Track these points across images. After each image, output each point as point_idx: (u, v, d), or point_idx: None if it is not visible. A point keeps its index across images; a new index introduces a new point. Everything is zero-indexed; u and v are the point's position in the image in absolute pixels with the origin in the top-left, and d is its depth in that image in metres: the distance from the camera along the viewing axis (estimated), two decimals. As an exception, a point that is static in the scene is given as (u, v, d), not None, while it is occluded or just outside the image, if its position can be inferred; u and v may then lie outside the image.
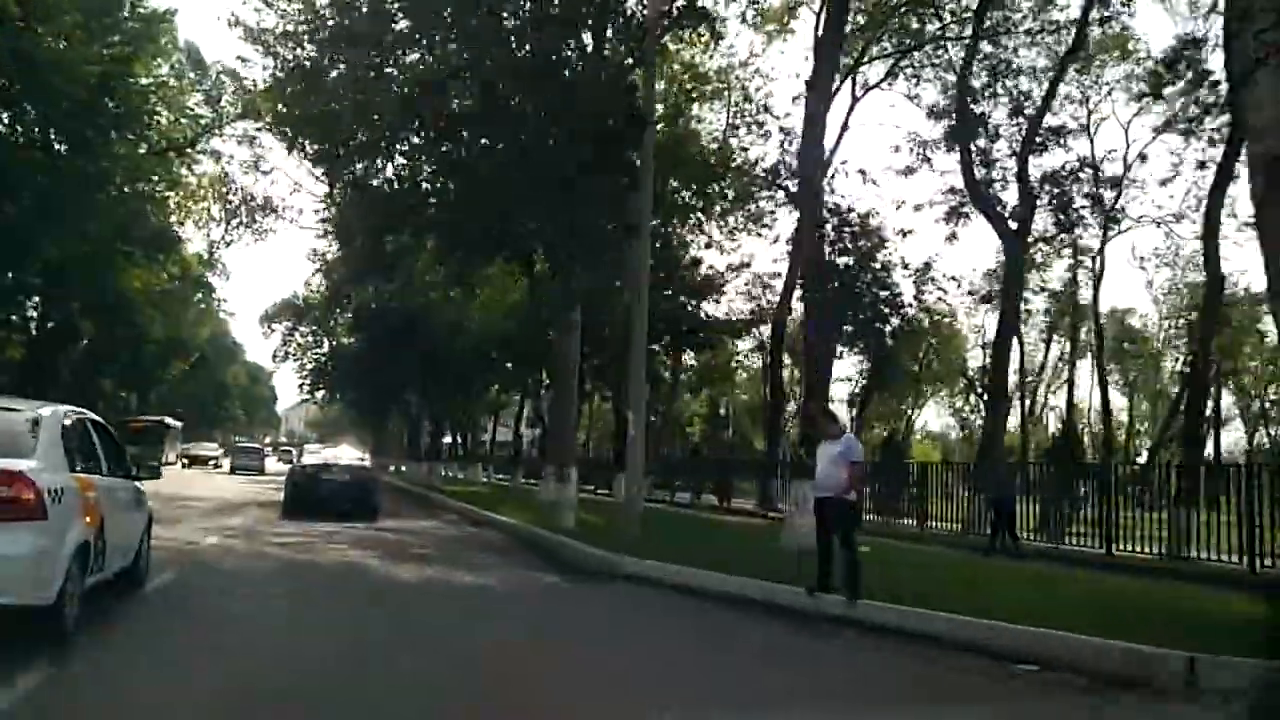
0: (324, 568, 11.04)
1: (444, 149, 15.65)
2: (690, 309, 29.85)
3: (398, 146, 16.72)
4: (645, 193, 14.54)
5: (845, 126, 31.34)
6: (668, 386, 41.33)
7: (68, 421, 6.61)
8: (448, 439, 59.66)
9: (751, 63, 30.44)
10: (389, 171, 17.80)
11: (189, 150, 42.94)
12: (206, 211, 54.63)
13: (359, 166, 17.18)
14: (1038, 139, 23.52)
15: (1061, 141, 24.34)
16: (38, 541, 5.48)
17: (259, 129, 40.91)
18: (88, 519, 6.21)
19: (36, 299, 42.40)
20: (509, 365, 37.30)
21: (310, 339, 55.82)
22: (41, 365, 41.25)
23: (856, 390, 36.51)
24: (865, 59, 31.58)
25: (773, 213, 30.59)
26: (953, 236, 27.55)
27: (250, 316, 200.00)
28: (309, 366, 55.79)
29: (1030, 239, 25.77)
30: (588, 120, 13.11)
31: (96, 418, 7.52)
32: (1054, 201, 23.74)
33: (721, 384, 54.88)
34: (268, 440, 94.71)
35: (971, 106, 23.20)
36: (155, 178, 43.67)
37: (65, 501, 5.83)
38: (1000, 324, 25.72)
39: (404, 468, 54.04)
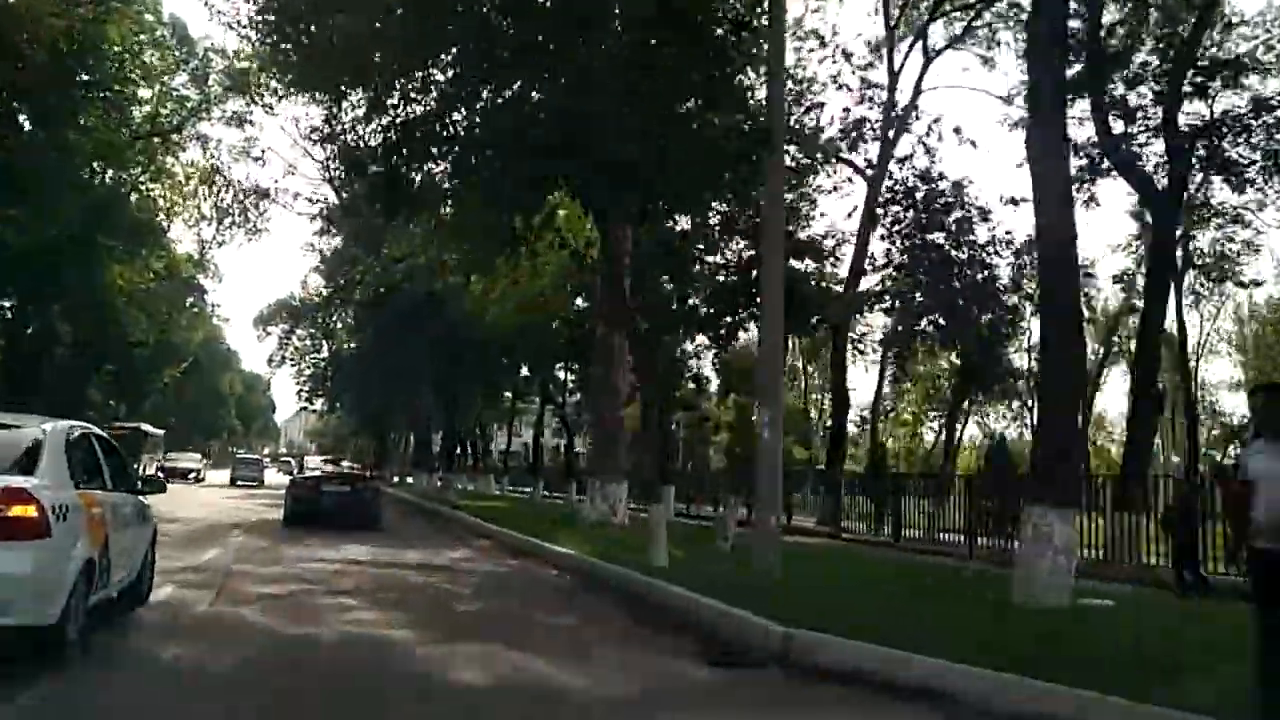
0: (328, 658, 6.82)
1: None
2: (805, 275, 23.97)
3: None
4: (778, 86, 10.44)
5: (918, 89, 27.44)
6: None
7: (71, 436, 6.52)
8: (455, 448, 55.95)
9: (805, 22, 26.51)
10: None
11: (174, 135, 38.96)
12: (196, 209, 50.86)
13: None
14: (1194, 76, 18.86)
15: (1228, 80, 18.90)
16: (41, 560, 5.36)
17: (250, 104, 37.14)
18: (92, 536, 6.10)
19: (10, 301, 38.53)
20: (523, 367, 33.36)
21: (308, 342, 51.85)
22: (21, 371, 37.19)
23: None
24: (936, 15, 27.74)
25: (849, 180, 26.55)
26: (1091, 200, 20.94)
27: (245, 324, 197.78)
28: (307, 372, 51.86)
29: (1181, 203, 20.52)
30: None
31: (100, 431, 7.51)
32: (1215, 154, 18.81)
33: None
34: (266, 451, 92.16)
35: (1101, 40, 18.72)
36: (138, 165, 39.83)
37: (69, 519, 5.74)
38: (1146, 308, 21.47)
39: (409, 479, 49.88)
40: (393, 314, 30.09)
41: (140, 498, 8.00)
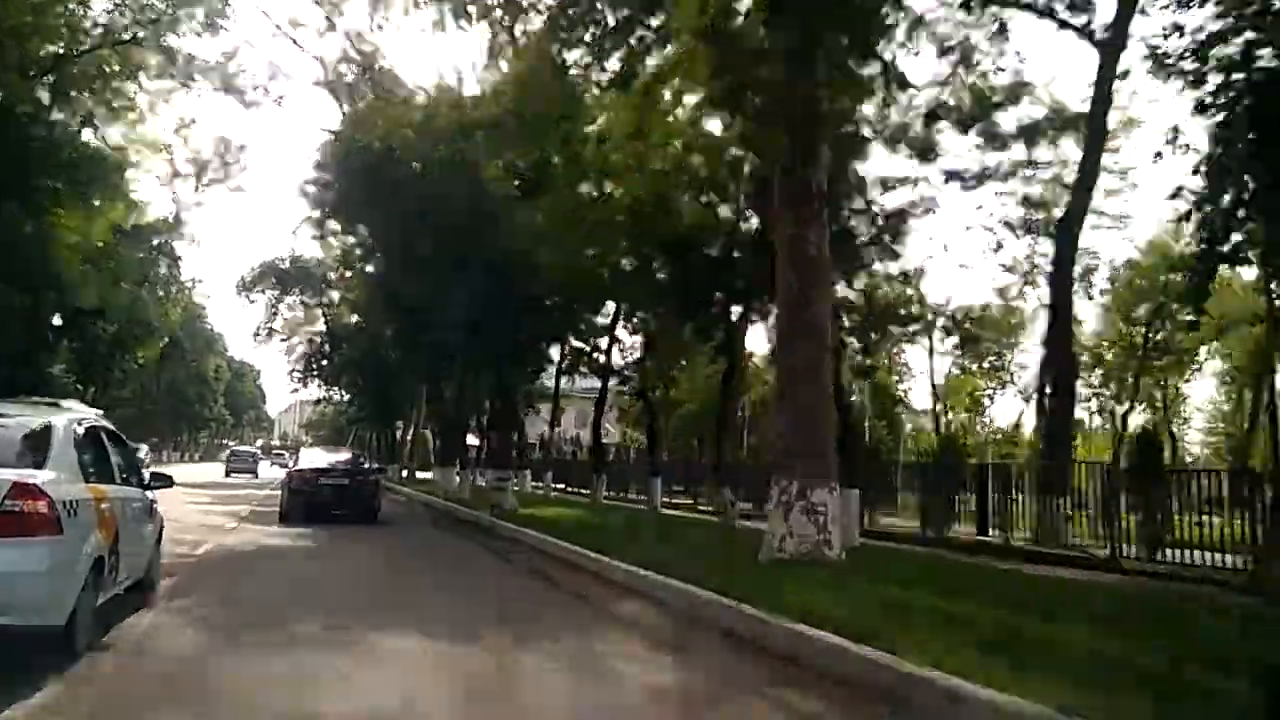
0: None
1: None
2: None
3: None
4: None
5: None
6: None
7: (80, 428, 6.43)
8: (474, 439, 48.03)
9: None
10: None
11: (128, 43, 30.91)
12: (166, 154, 42.79)
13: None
14: None
15: None
16: (52, 558, 5.28)
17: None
18: (103, 532, 6.06)
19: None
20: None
21: (299, 313, 44.18)
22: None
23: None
24: None
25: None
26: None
27: (232, 307, 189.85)
28: (299, 348, 44.39)
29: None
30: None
31: (107, 423, 7.35)
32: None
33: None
34: (259, 444, 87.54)
35: None
36: (89, 89, 31.77)
37: (80, 515, 5.69)
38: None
39: (431, 475, 41.95)
40: (429, 238, 21.64)
41: (148, 492, 7.91)
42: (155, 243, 47.84)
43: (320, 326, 45.04)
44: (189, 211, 47.14)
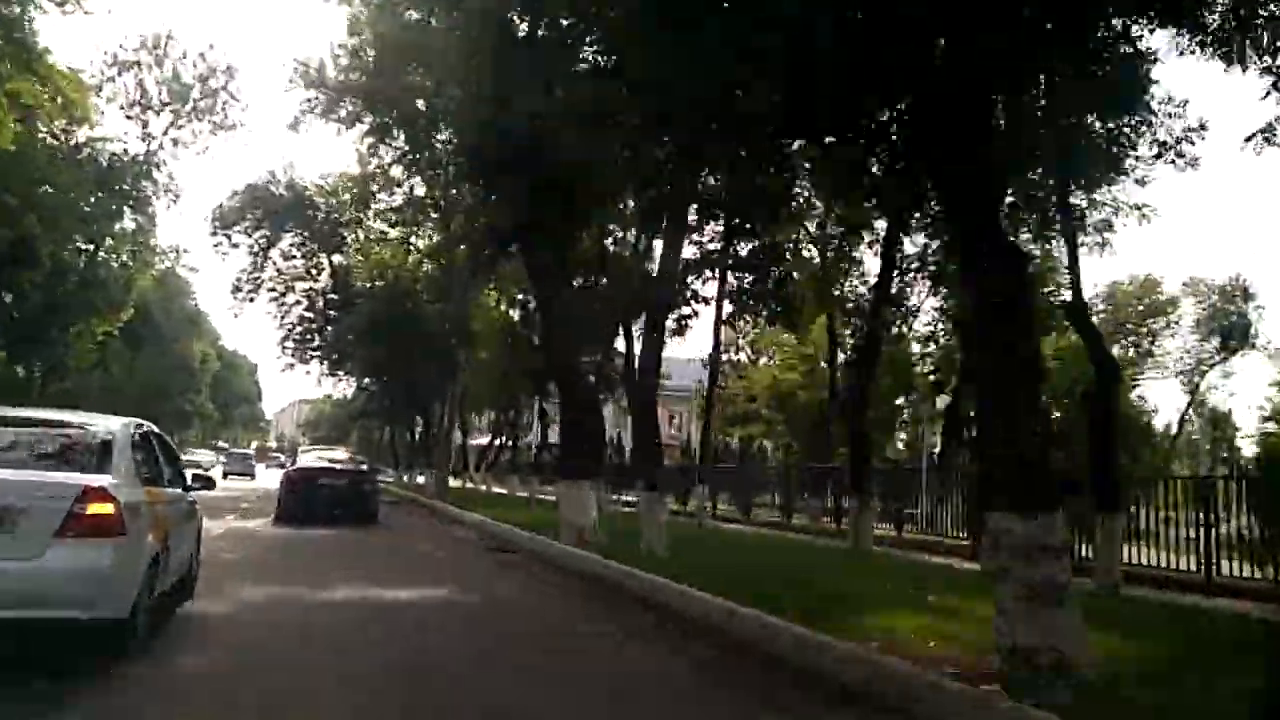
0: None
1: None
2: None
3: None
4: None
5: None
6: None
7: (136, 435, 6.79)
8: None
9: None
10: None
11: None
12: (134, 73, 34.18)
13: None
14: None
15: None
16: (117, 557, 5.56)
17: None
18: (157, 533, 6.36)
19: None
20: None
21: (297, 261, 34.83)
22: None
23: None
24: None
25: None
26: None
27: (222, 284, 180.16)
28: (297, 308, 35.21)
29: None
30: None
31: (155, 428, 7.66)
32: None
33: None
34: (255, 445, 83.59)
35: None
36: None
37: (140, 516, 6.01)
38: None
39: (454, 480, 32.58)
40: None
41: (190, 494, 8.14)
42: (119, 188, 38.85)
43: (324, 281, 35.82)
44: (164, 151, 38.26)
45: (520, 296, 31.64)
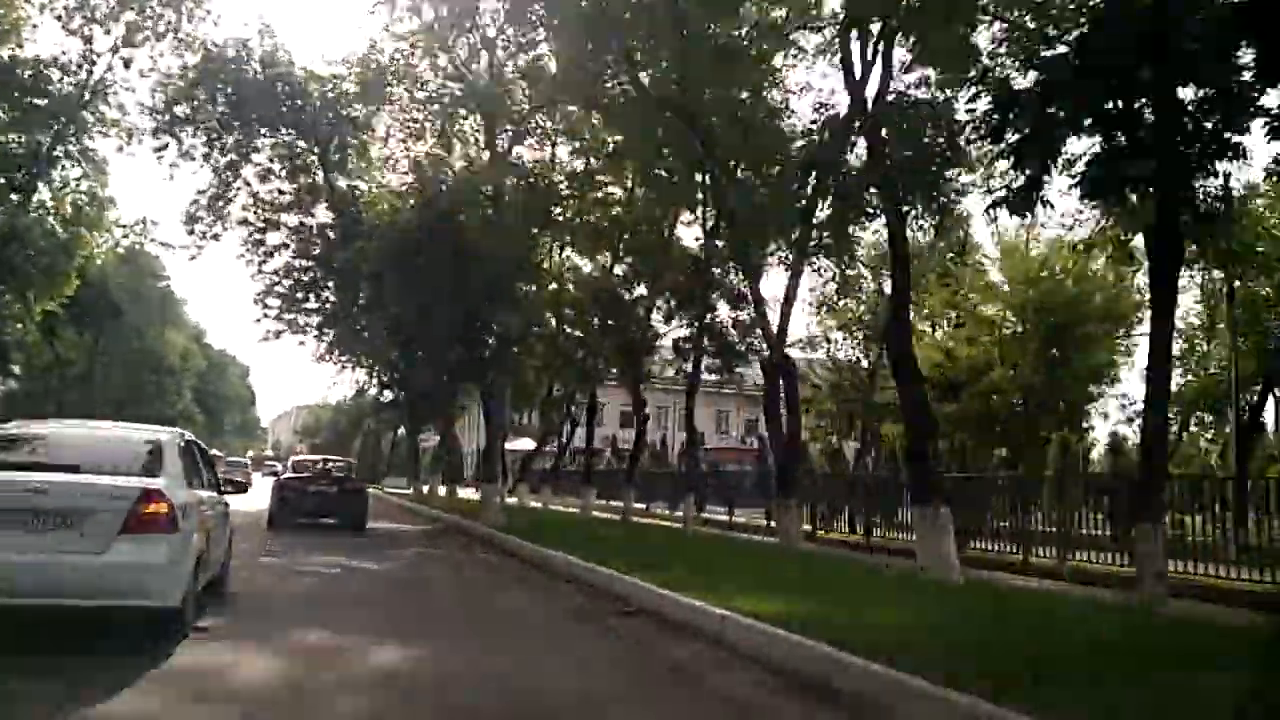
0: None
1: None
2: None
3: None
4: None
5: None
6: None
7: (182, 442, 7.61)
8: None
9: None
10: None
11: None
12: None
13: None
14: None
15: None
16: (171, 552, 6.32)
17: None
18: (201, 532, 7.11)
19: None
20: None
21: (284, 183, 24.99)
22: None
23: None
24: None
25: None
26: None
27: (209, 280, 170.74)
28: (275, 252, 25.57)
29: None
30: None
31: (193, 437, 8.33)
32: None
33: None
34: (250, 454, 77.71)
35: None
36: None
37: (188, 516, 6.74)
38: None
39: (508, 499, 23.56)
40: None
41: (224, 498, 9.02)
42: (54, 124, 29.70)
43: (323, 218, 25.96)
44: (112, 74, 28.94)
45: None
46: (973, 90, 9.96)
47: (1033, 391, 25.81)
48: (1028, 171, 9.18)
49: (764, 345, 17.42)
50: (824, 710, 5.37)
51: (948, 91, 13.20)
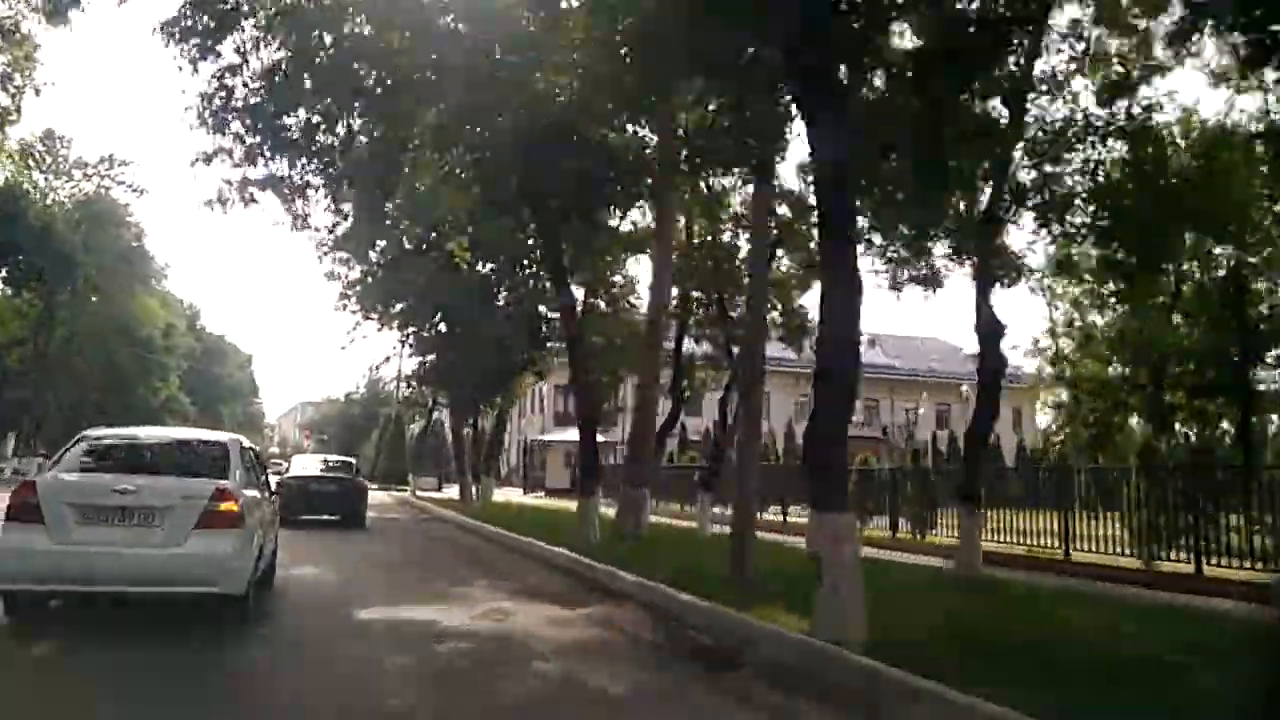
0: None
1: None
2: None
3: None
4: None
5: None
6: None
7: (243, 445, 8.46)
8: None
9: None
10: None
11: None
12: None
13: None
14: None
15: None
16: (239, 544, 7.07)
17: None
18: (260, 527, 7.93)
19: None
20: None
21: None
22: None
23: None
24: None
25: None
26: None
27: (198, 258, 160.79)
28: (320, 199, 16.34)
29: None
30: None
31: (248, 441, 9.07)
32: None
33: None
34: None
35: None
36: None
37: (252, 512, 7.51)
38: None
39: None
40: None
41: (272, 496, 9.66)
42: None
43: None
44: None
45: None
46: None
47: None
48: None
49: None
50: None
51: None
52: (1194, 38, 11.64)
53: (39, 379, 38.44)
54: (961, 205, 12.89)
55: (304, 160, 14.10)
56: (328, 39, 12.78)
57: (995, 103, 11.50)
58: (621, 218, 17.98)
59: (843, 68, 7.95)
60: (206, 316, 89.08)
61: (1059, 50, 12.08)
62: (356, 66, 12.88)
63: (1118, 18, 12.38)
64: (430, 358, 27.97)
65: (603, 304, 23.15)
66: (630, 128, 13.05)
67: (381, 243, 23.98)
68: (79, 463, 7.43)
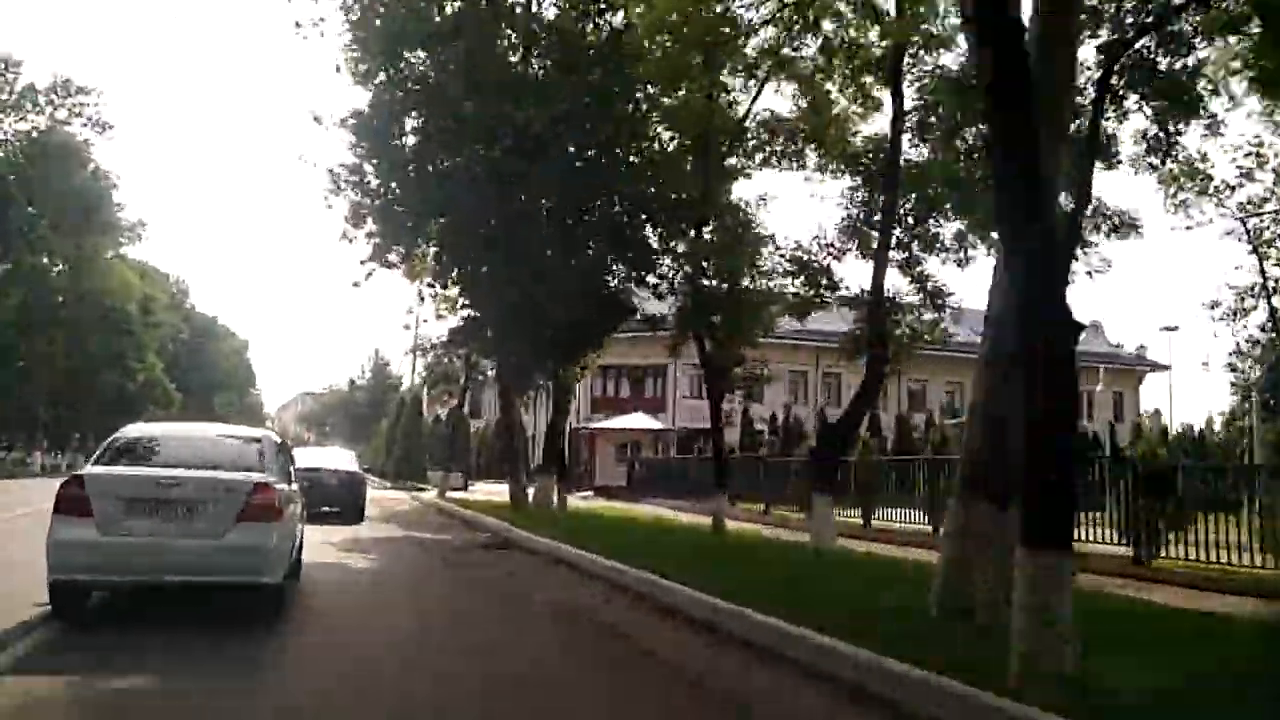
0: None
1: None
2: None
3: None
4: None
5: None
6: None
7: (277, 441, 9.14)
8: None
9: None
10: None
11: None
12: None
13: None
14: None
15: None
16: (277, 536, 7.43)
17: None
18: (294, 521, 8.60)
19: None
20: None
21: None
22: None
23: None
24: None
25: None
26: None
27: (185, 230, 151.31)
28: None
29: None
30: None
31: (278, 436, 10.00)
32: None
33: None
34: None
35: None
36: None
37: (288, 506, 8.02)
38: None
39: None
40: None
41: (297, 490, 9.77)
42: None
43: None
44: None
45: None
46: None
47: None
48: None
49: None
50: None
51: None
52: None
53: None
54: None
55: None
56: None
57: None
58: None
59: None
60: (198, 297, 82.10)
61: None
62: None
63: None
64: (465, 315, 20.51)
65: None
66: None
67: (413, 121, 17.83)
68: (121, 457, 7.69)
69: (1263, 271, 25.52)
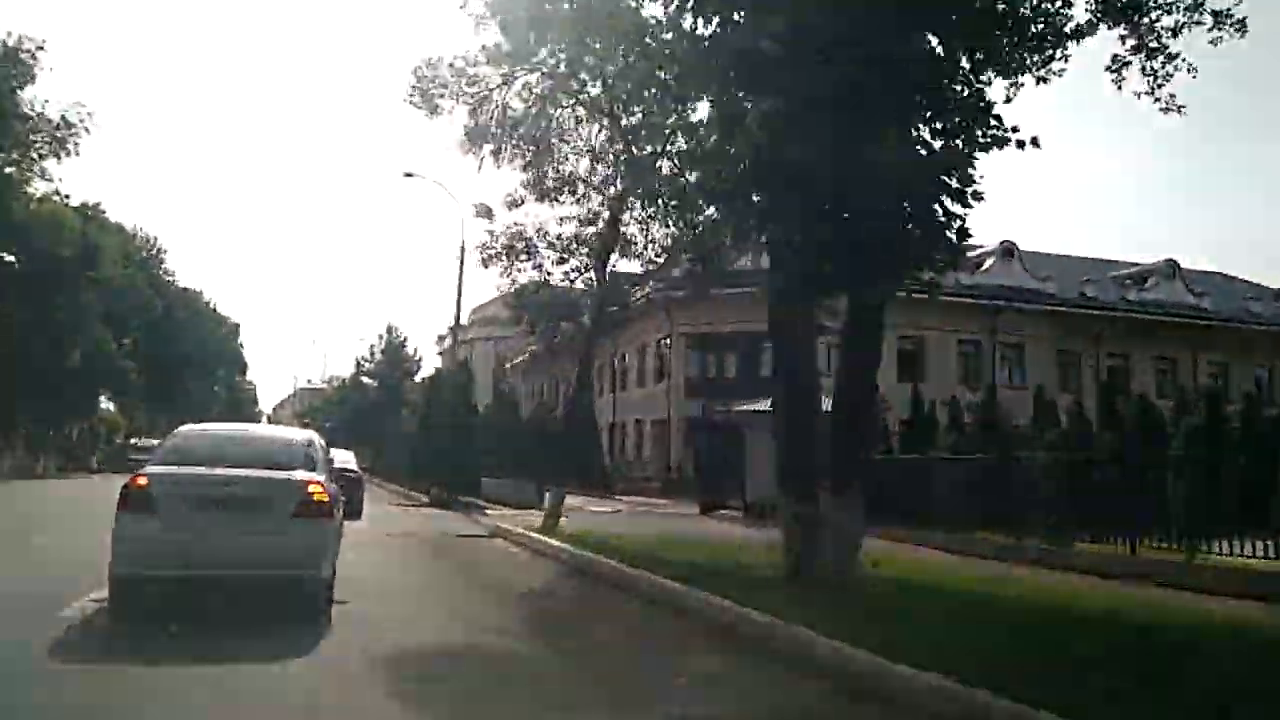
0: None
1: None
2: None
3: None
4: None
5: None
6: None
7: (321, 442, 9.77)
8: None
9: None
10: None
11: None
12: None
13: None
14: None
15: None
16: (327, 534, 8.12)
17: None
18: (340, 518, 9.09)
19: None
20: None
21: None
22: None
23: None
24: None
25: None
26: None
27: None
28: None
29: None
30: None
31: (320, 438, 10.42)
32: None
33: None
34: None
35: None
36: None
37: (335, 504, 8.62)
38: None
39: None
40: None
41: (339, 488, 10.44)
42: None
43: None
44: None
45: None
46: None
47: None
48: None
49: None
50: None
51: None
52: None
53: None
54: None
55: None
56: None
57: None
58: None
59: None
60: (175, 264, 70.53)
61: None
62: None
63: None
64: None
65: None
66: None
67: None
68: (179, 456, 8.17)
69: None
